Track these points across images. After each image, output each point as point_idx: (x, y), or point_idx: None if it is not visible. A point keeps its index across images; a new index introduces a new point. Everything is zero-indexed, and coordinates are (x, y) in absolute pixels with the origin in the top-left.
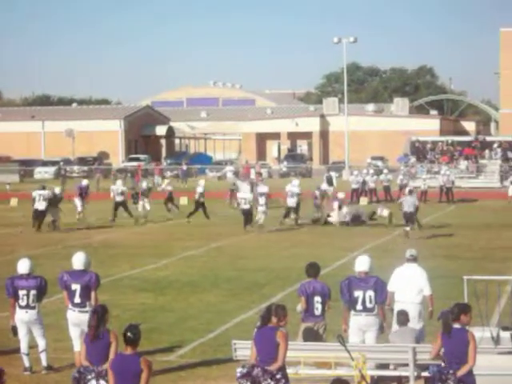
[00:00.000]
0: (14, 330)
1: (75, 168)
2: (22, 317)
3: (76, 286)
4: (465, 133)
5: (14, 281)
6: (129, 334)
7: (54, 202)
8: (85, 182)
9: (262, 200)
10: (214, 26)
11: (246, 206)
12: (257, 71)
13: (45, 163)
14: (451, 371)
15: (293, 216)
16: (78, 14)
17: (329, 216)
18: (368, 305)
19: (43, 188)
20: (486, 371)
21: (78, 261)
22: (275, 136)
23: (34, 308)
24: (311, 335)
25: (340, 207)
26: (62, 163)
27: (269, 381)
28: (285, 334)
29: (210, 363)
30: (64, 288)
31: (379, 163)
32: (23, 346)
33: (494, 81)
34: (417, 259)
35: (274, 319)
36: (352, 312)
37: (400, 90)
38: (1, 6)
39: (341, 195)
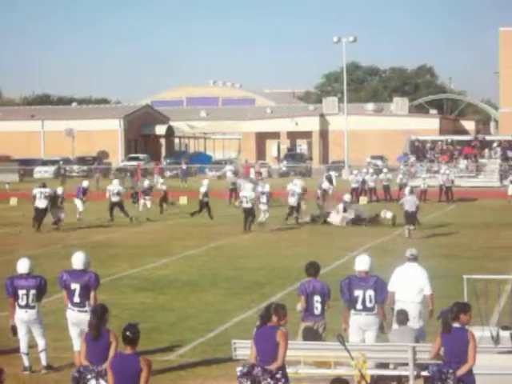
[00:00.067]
0: (14, 330)
1: (75, 167)
2: (22, 316)
3: (75, 286)
4: (464, 132)
5: (14, 280)
6: (128, 333)
7: (55, 202)
8: (85, 183)
9: (263, 199)
10: (214, 26)
11: (248, 205)
12: (256, 71)
13: (44, 162)
14: (451, 370)
15: (294, 215)
16: (77, 14)
17: (328, 215)
18: (368, 304)
19: (44, 185)
20: (486, 370)
21: (78, 260)
22: (275, 135)
23: (33, 308)
24: (311, 334)
25: (345, 209)
26: (61, 162)
27: (268, 380)
28: (285, 334)
29: (209, 362)
30: (63, 287)
31: (379, 162)
32: (23, 346)
33: (493, 80)
34: (417, 258)
35: (274, 318)
36: (352, 311)
37: (400, 90)
38: (1, 6)
39: (347, 197)
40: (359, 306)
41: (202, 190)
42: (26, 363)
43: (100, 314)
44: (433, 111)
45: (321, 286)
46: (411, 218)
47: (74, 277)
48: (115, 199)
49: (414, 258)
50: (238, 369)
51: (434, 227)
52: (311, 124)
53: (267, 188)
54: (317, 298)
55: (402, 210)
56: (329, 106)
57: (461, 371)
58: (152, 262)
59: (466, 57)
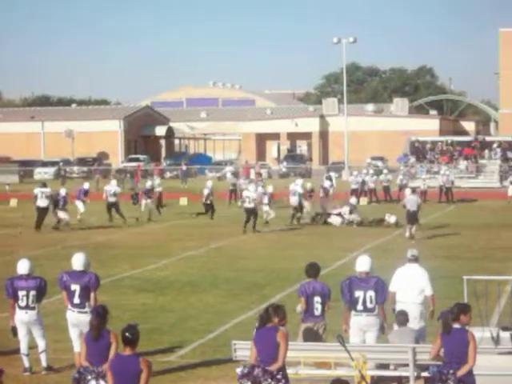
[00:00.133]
0: (14, 331)
1: (75, 168)
2: (22, 317)
3: (75, 287)
4: (464, 133)
5: (14, 281)
6: (127, 334)
7: (57, 203)
8: (86, 184)
9: (265, 199)
10: (214, 27)
11: (251, 205)
12: (256, 71)
13: (44, 164)
14: (451, 371)
15: (297, 215)
16: (77, 15)
17: (329, 216)
18: (369, 305)
19: (44, 185)
20: (486, 371)
21: (78, 261)
22: (275, 136)
23: (33, 309)
24: (311, 335)
25: (351, 212)
26: (61, 164)
27: (269, 381)
28: (285, 334)
29: (209, 363)
30: (63, 288)
31: (379, 163)
32: (23, 347)
33: (493, 81)
34: (418, 259)
35: (275, 319)
36: (353, 312)
37: (400, 90)
38: (1, 6)
39: (353, 201)
40: (360, 306)
41: (205, 192)
42: (26, 364)
43: (101, 315)
44: (433, 112)
45: (321, 287)
46: (412, 217)
47: (74, 278)
48: (112, 200)
49: (415, 259)
50: (239, 369)
51: (434, 228)
52: (311, 125)
53: (270, 189)
54: (317, 299)
55: (404, 210)
56: (329, 107)
57: (461, 372)
58: (153, 263)
59: (466, 57)
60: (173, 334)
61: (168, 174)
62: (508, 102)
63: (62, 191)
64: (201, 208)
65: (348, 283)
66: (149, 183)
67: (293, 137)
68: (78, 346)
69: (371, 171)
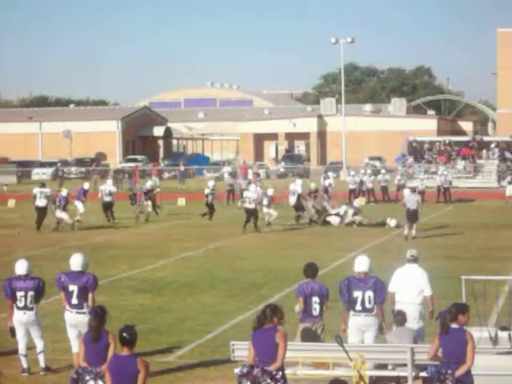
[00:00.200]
0: (12, 332)
1: (73, 169)
2: (20, 318)
3: (73, 288)
4: (462, 133)
5: (12, 282)
6: (125, 334)
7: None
8: (86, 185)
9: (265, 201)
10: (212, 27)
11: (251, 206)
12: (254, 72)
13: (42, 164)
14: (449, 371)
15: (296, 214)
16: (77, 15)
17: (328, 215)
18: (367, 305)
19: (43, 185)
20: (484, 371)
21: (76, 262)
22: (273, 136)
23: (31, 309)
24: (309, 335)
25: (356, 214)
26: (59, 164)
27: (268, 381)
28: (284, 335)
29: (208, 364)
30: (61, 289)
31: (377, 163)
32: (21, 348)
33: (491, 81)
34: (417, 260)
35: (275, 319)
36: (351, 312)
37: (397, 90)
38: (1, 6)
39: (357, 203)
40: (358, 307)
41: (206, 192)
42: (25, 365)
43: (99, 316)
44: (431, 112)
45: (319, 287)
46: (413, 216)
47: (72, 278)
48: (107, 199)
49: (414, 259)
50: (237, 369)
51: (433, 228)
52: (309, 125)
53: (270, 192)
54: (315, 299)
55: (404, 208)
56: (327, 107)
57: (459, 372)
58: (151, 264)
59: (464, 58)
60: (171, 334)
61: (166, 175)
62: (506, 102)
63: (64, 192)
64: (202, 208)
65: (346, 283)
66: (149, 183)
67: (291, 137)
68: (76, 346)
69: (369, 171)
